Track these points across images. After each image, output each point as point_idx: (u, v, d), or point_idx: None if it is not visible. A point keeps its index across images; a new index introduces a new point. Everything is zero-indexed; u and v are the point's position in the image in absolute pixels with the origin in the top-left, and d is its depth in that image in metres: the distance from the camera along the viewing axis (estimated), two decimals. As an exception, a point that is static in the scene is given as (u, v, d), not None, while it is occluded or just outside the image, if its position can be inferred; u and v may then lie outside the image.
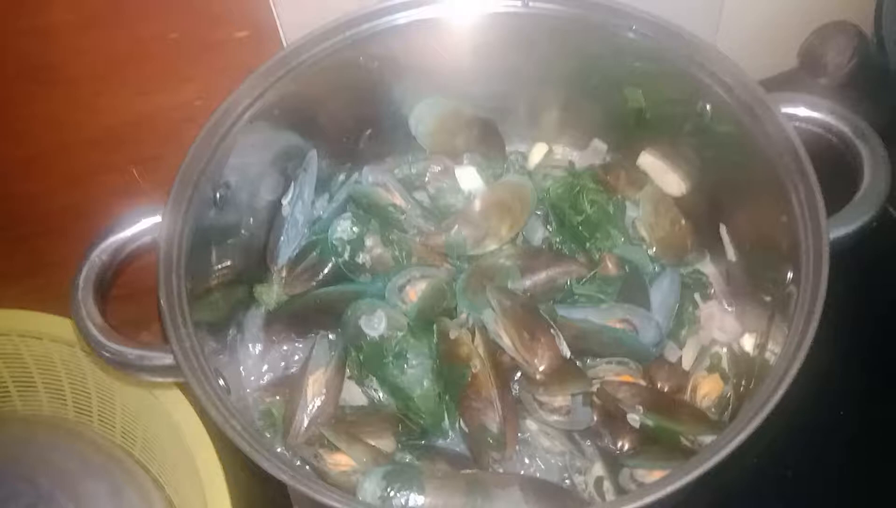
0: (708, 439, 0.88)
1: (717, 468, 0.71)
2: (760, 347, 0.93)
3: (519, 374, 0.95)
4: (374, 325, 0.98)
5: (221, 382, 0.83)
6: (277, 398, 0.99)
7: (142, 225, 0.90)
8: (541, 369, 0.89)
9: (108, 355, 0.83)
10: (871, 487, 1.05)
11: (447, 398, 0.95)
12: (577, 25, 1.02)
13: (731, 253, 1.03)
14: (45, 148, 1.16)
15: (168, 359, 0.80)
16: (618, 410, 0.90)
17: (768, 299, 0.93)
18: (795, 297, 0.81)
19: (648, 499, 0.69)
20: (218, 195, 0.95)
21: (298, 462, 0.94)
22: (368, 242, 1.04)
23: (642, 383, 0.94)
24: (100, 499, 1.10)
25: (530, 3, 1.02)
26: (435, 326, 0.98)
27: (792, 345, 0.77)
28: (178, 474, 1.11)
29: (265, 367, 1.04)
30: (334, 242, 1.04)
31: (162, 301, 0.81)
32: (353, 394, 1.01)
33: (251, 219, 1.06)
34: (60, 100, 1.11)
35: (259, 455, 0.71)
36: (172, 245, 0.86)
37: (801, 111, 0.91)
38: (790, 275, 0.85)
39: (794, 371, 0.74)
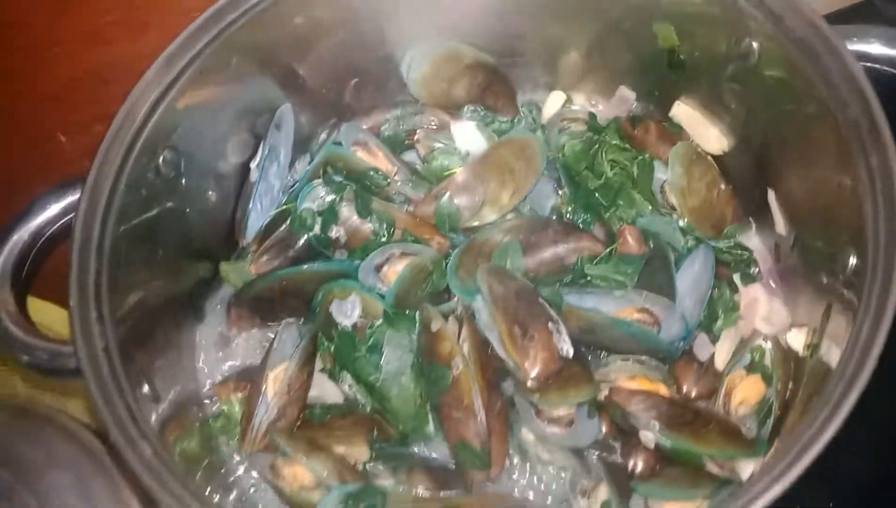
0: (742, 464, 0.71)
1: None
2: (813, 347, 0.74)
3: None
4: (347, 312, 0.84)
5: (146, 388, 0.70)
6: (239, 395, 0.86)
7: (66, 201, 0.77)
8: (532, 374, 0.73)
9: (18, 350, 0.71)
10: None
11: (428, 401, 0.81)
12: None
13: (780, 225, 0.85)
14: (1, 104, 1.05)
15: (81, 361, 0.67)
16: (630, 425, 0.74)
17: (825, 282, 0.75)
18: (861, 288, 0.63)
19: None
20: (161, 161, 0.81)
21: (254, 475, 0.81)
22: (344, 212, 0.88)
23: (662, 389, 0.77)
24: (64, 492, 1.00)
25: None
26: (417, 313, 0.83)
27: (854, 359, 0.59)
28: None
29: (226, 359, 0.91)
30: (303, 213, 0.88)
31: (71, 296, 0.68)
32: (328, 390, 0.87)
33: (214, 186, 0.92)
34: (6, 49, 0.99)
35: (162, 491, 0.58)
36: (92, 224, 0.73)
37: (874, 48, 0.72)
38: (853, 260, 0.67)
39: (855, 395, 0.57)
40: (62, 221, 0.76)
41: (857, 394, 0.56)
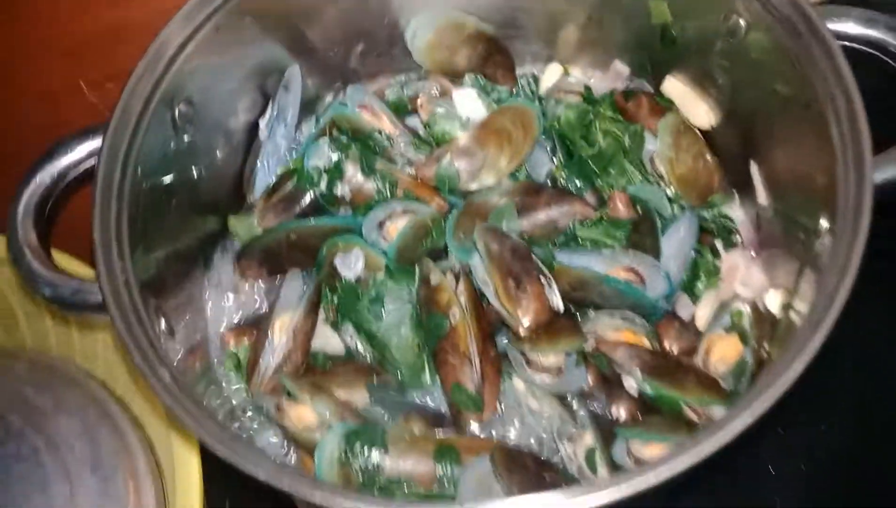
0: (717, 411, 0.77)
1: (725, 448, 0.60)
2: (787, 307, 0.80)
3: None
4: (351, 265, 0.88)
5: (163, 324, 0.74)
6: (245, 341, 0.90)
7: (89, 146, 0.81)
8: (525, 323, 0.78)
9: (41, 285, 0.75)
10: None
11: (427, 349, 0.85)
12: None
13: (762, 195, 0.90)
14: (10, 56, 1.08)
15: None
16: (614, 373, 0.79)
17: (800, 246, 0.80)
18: (829, 249, 0.68)
19: (633, 486, 0.58)
20: (177, 113, 0.85)
21: (259, 414, 0.86)
22: (349, 170, 0.93)
23: (645, 342, 0.82)
24: (71, 437, 1.04)
25: None
26: (417, 268, 0.88)
27: (820, 306, 0.64)
28: (158, 414, 1.05)
29: (234, 307, 0.95)
30: (309, 170, 0.93)
31: (95, 231, 0.72)
32: (330, 341, 0.91)
33: (224, 142, 0.96)
34: (25, 4, 1.02)
35: (181, 410, 0.62)
36: (114, 167, 0.77)
37: (852, 28, 0.76)
38: (824, 223, 0.72)
39: (820, 338, 0.62)
40: (84, 164, 0.80)
41: (823, 337, 0.61)
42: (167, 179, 0.85)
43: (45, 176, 0.79)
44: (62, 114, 1.14)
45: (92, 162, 0.80)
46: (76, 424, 1.05)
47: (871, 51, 0.76)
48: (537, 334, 0.78)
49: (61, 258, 1.04)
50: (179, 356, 0.77)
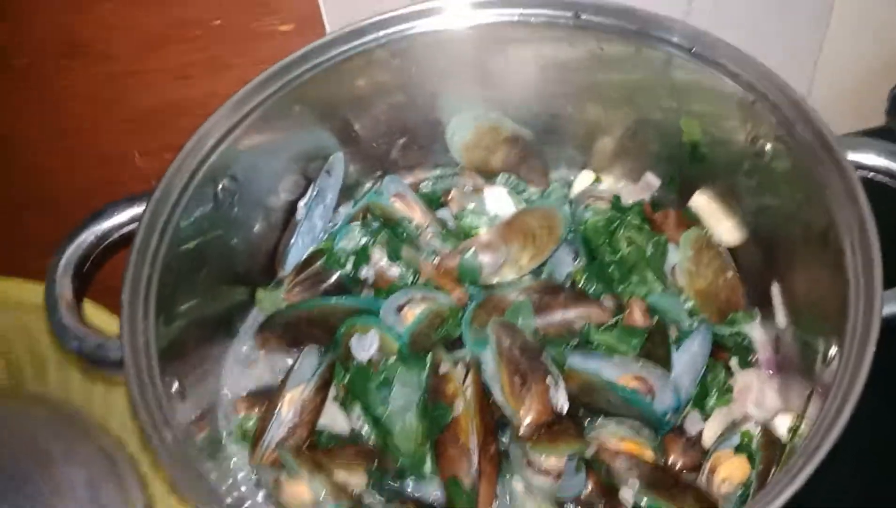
0: (713, 532, 0.75)
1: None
2: (794, 431, 0.78)
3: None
4: (365, 346, 0.90)
5: (176, 386, 0.77)
6: (256, 410, 0.92)
7: (132, 212, 0.86)
8: (526, 421, 0.78)
9: (69, 338, 0.79)
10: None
11: (430, 439, 0.86)
12: (630, 43, 0.91)
13: (780, 317, 0.89)
14: (78, 123, 1.16)
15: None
16: (612, 481, 0.78)
17: (811, 371, 0.79)
18: (834, 378, 0.68)
19: None
20: (220, 188, 0.90)
21: (256, 486, 0.87)
22: (375, 255, 0.96)
23: (649, 454, 0.81)
24: (76, 487, 1.07)
25: (582, 17, 0.93)
26: (429, 355, 0.89)
27: (818, 435, 0.63)
28: (163, 474, 1.07)
29: (251, 377, 0.97)
30: (338, 251, 0.96)
31: (124, 292, 0.76)
32: (337, 420, 0.92)
33: (263, 218, 1.01)
34: (95, 76, 1.11)
35: (177, 472, 0.64)
36: (152, 234, 0.82)
37: (872, 159, 0.77)
38: (834, 350, 0.72)
39: (811, 467, 0.61)
40: (126, 228, 0.85)
41: (814, 466, 0.60)
42: (202, 249, 0.89)
43: (88, 235, 0.84)
44: (116, 177, 1.21)
45: (133, 227, 0.84)
46: (82, 475, 1.08)
47: (891, 182, 0.77)
48: (538, 434, 0.78)
49: (94, 310, 1.09)
50: (188, 420, 0.79)
